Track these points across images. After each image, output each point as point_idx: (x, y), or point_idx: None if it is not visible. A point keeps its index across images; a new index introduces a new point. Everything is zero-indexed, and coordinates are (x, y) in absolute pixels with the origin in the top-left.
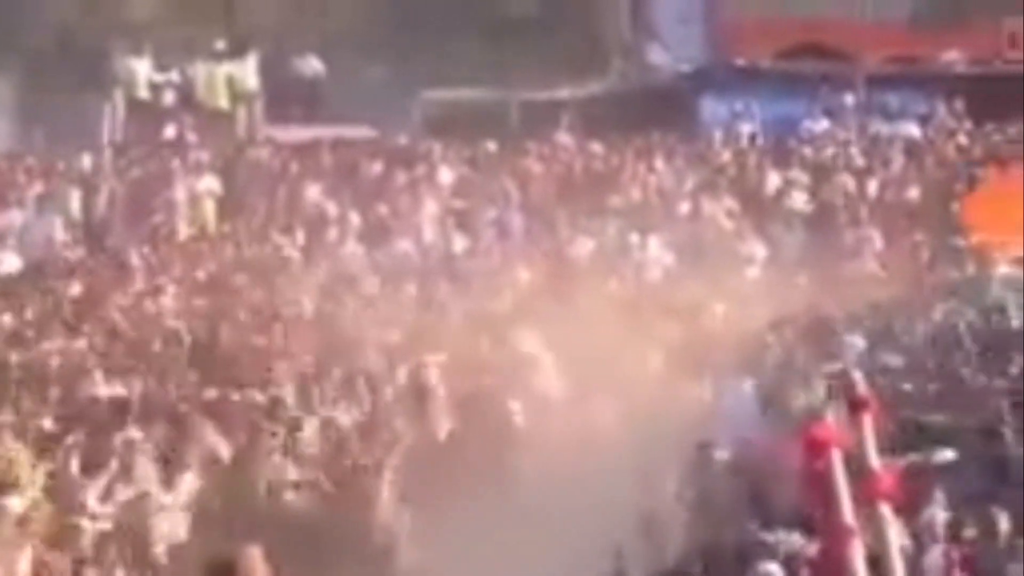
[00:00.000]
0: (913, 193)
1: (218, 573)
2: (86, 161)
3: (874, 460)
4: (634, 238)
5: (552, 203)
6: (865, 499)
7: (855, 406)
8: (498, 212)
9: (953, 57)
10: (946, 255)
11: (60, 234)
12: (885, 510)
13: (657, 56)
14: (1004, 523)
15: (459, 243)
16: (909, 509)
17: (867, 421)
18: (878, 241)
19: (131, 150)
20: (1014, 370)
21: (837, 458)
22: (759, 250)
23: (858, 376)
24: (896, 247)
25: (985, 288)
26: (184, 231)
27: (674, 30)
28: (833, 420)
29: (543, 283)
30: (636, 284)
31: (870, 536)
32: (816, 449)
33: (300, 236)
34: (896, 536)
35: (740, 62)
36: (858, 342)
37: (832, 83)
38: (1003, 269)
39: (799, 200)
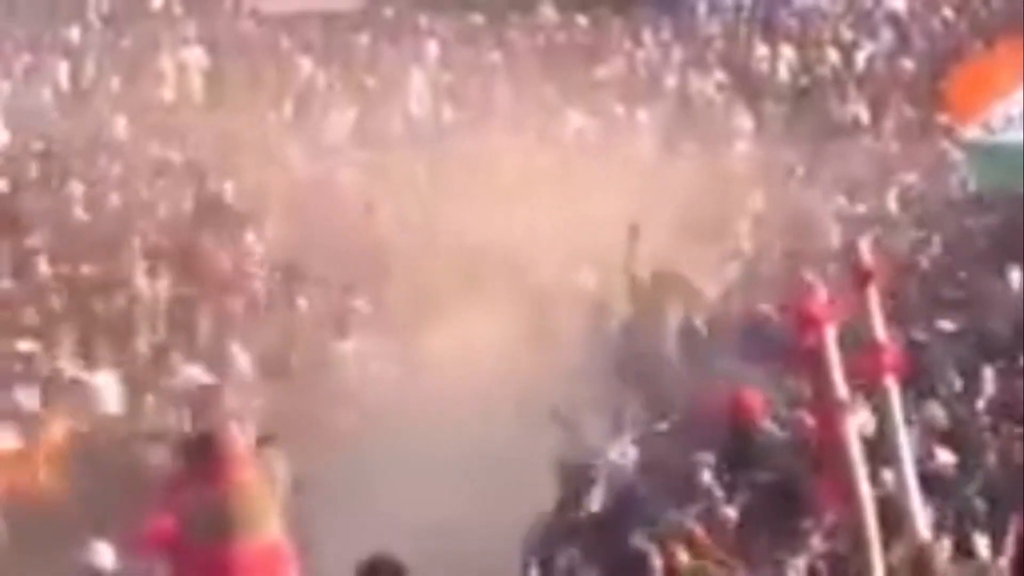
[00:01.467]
0: (902, 67)
1: (196, 448)
2: (74, 33)
3: (880, 333)
4: (620, 111)
5: (537, 77)
6: (870, 372)
7: (861, 277)
8: (484, 85)
9: None
10: (935, 129)
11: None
12: (891, 382)
13: None
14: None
15: (448, 115)
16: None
17: (873, 293)
18: (865, 115)
19: (119, 22)
20: None
21: (831, 334)
22: (747, 123)
23: (864, 246)
24: (886, 122)
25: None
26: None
27: None
28: (826, 294)
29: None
30: (623, 159)
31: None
32: (809, 325)
33: (288, 108)
34: (900, 408)
35: None
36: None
37: None
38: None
39: (786, 73)
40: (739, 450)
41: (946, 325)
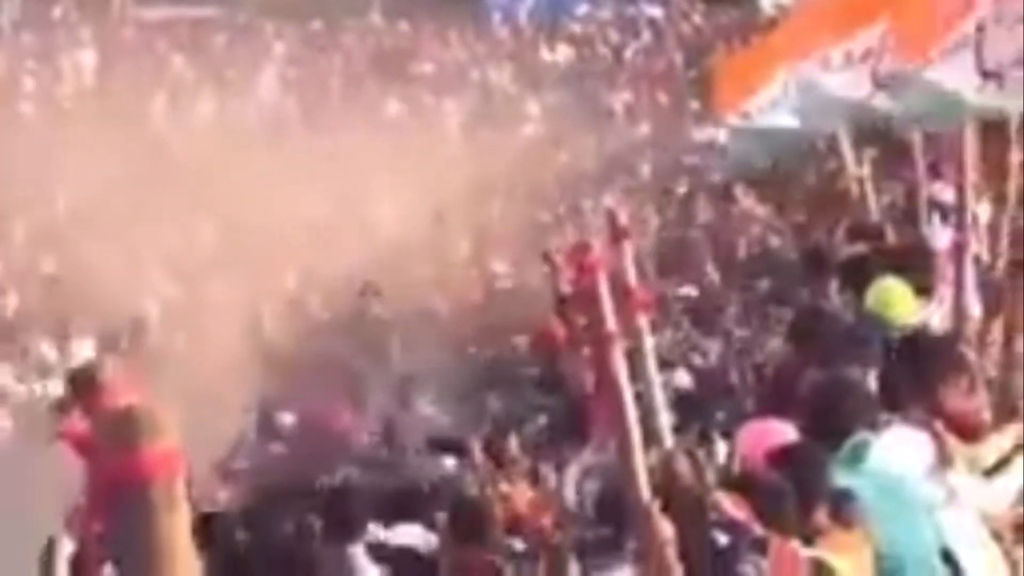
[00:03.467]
0: (659, 64)
1: (81, 382)
2: None
3: (632, 280)
4: (429, 101)
5: (365, 72)
6: (626, 312)
7: (616, 235)
8: (321, 78)
9: None
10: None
11: None
12: (642, 320)
13: None
14: None
15: (291, 104)
16: None
17: (627, 248)
18: (631, 100)
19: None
20: None
21: (602, 277)
22: (535, 110)
23: (619, 209)
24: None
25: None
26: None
27: None
28: (599, 247)
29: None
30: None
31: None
32: (584, 270)
33: (161, 100)
34: (650, 341)
35: None
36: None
37: None
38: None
39: (565, 66)
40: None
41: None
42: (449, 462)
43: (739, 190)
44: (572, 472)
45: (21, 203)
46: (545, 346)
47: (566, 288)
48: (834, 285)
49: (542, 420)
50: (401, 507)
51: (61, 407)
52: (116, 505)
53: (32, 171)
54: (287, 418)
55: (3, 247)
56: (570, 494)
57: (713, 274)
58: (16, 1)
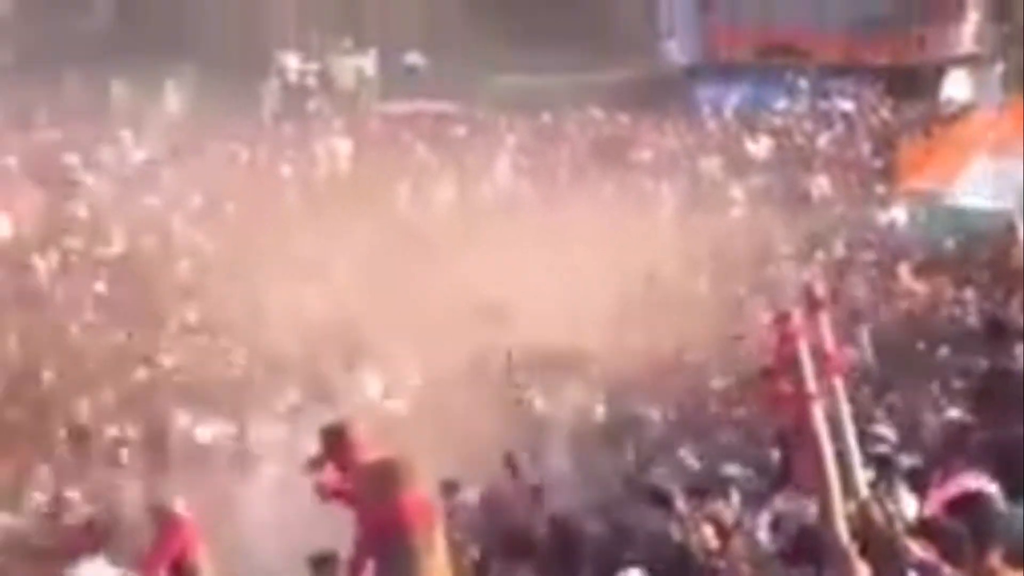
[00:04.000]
0: (851, 152)
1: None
2: (245, 129)
3: (829, 346)
4: (646, 185)
5: (588, 159)
6: (824, 375)
7: (814, 305)
8: (549, 165)
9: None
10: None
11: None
12: (838, 383)
13: (664, 53)
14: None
15: (523, 187)
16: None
17: (823, 317)
18: (826, 184)
19: (284, 118)
20: None
21: (803, 344)
22: (739, 194)
23: (817, 281)
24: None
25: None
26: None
27: (677, 33)
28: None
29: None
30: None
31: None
32: (788, 338)
33: (406, 184)
34: (846, 402)
35: (725, 58)
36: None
37: (792, 73)
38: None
39: (766, 154)
40: None
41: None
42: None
43: (903, 268)
44: (765, 518)
45: (278, 281)
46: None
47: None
48: (1019, 349)
49: (734, 471)
50: (612, 555)
51: (315, 464)
52: (381, 551)
53: (290, 251)
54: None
55: (255, 325)
56: (764, 537)
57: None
58: (277, 96)
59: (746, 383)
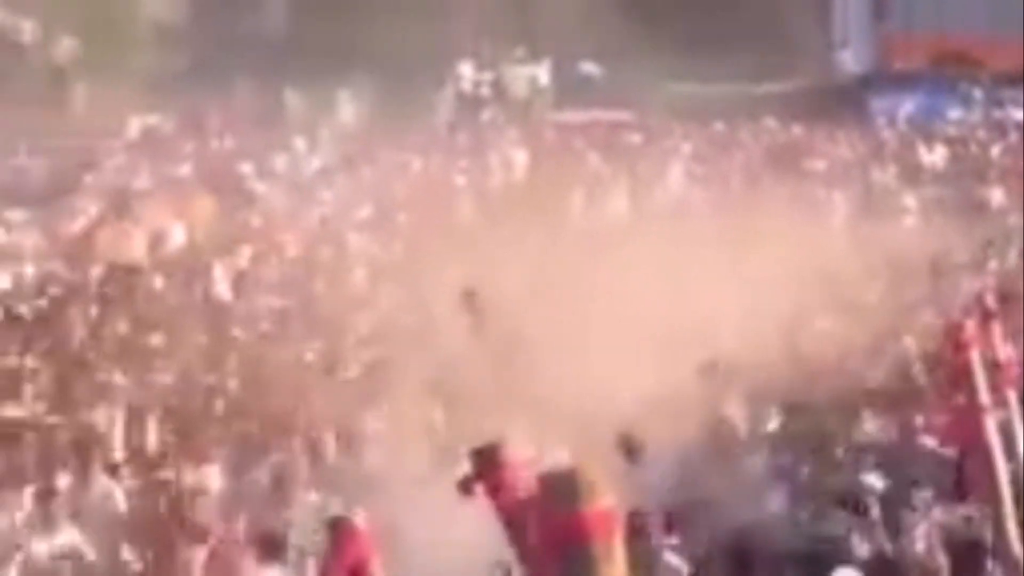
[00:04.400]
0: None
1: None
2: (419, 138)
3: (1003, 356)
4: (819, 194)
5: (761, 167)
6: (996, 386)
7: (987, 315)
8: (723, 173)
9: None
10: None
11: None
12: (1011, 394)
13: (837, 63)
14: None
15: (697, 195)
16: None
17: (995, 327)
18: (1000, 194)
19: (458, 128)
20: None
21: (976, 354)
22: (913, 203)
23: (990, 291)
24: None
25: None
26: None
27: (850, 42)
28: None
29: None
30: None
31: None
32: (961, 347)
33: (580, 192)
34: (1019, 413)
35: (899, 67)
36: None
37: (966, 83)
38: None
39: (940, 164)
40: None
41: None
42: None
43: None
44: (923, 528)
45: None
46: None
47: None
48: None
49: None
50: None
51: (465, 486)
52: (560, 561)
53: (464, 262)
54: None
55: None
56: (921, 547)
57: None
58: (451, 105)
59: (904, 389)
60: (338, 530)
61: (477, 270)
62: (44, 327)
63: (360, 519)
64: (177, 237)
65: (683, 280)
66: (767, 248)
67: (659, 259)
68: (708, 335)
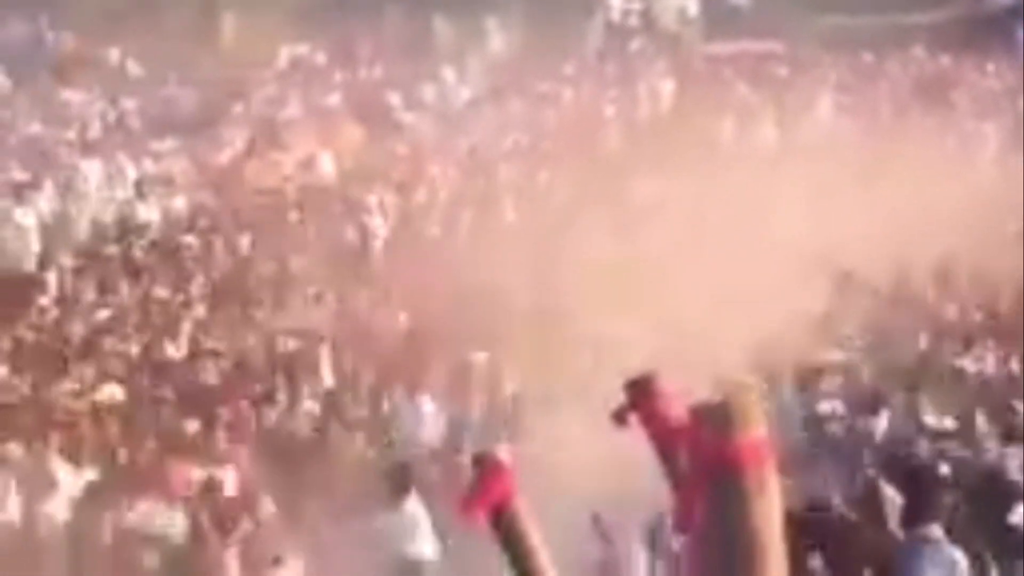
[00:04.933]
0: None
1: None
2: (568, 68)
3: None
4: (969, 126)
5: (909, 98)
6: None
7: None
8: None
9: None
10: None
11: None
12: None
13: None
14: None
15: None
16: None
17: None
18: None
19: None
20: None
21: None
22: None
23: None
24: None
25: None
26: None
27: None
28: None
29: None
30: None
31: None
32: None
33: (728, 123)
34: None
35: None
36: None
37: None
38: None
39: None
40: None
41: None
42: None
43: None
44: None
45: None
46: None
47: None
48: None
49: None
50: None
51: (619, 416)
52: (712, 490)
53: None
54: None
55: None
56: None
57: None
58: (600, 35)
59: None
60: (482, 466)
61: (627, 197)
62: (196, 262)
63: (505, 454)
64: (325, 166)
65: (827, 209)
66: (913, 181)
67: (806, 187)
68: (853, 263)
